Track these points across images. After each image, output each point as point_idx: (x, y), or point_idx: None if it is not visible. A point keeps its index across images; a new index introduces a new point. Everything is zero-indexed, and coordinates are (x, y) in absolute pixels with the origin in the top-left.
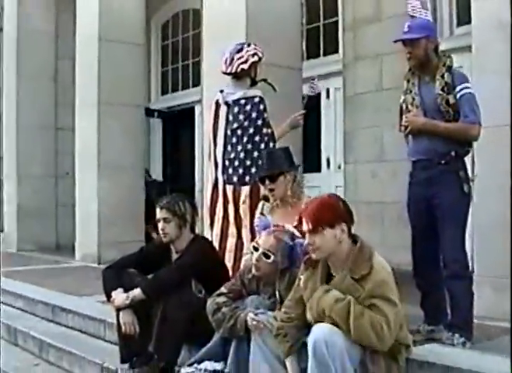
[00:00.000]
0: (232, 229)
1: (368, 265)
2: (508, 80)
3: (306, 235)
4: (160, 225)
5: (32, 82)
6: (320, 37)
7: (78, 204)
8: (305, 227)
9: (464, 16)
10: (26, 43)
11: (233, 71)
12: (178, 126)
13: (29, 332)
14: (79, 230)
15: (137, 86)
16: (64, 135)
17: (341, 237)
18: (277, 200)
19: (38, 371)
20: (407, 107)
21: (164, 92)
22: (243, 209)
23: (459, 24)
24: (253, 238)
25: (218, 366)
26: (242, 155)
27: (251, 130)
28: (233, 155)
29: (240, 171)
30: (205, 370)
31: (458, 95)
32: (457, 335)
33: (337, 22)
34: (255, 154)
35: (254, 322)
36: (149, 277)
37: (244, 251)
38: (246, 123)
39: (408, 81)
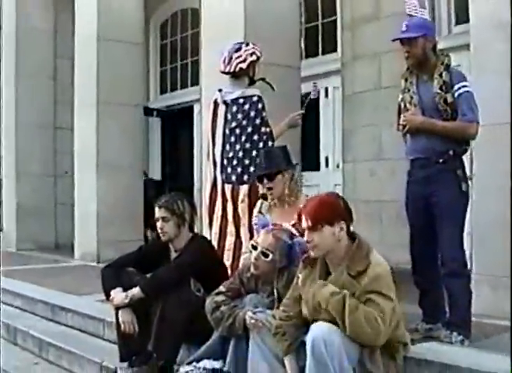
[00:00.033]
0: (230, 228)
1: (365, 262)
2: (507, 79)
3: (305, 233)
4: (159, 224)
5: (31, 81)
6: (319, 36)
7: (77, 203)
8: (304, 224)
9: (462, 15)
10: (24, 42)
11: (232, 70)
12: (177, 125)
13: (28, 331)
14: (78, 229)
15: (136, 85)
16: (63, 134)
17: (339, 235)
18: (275, 199)
19: (38, 370)
20: (405, 106)
21: (163, 91)
22: (242, 208)
23: (457, 23)
24: (251, 236)
25: (217, 364)
26: (240, 154)
27: (250, 129)
28: (231, 154)
29: (239, 170)
30: (204, 368)
31: (456, 94)
32: (455, 333)
33: (335, 21)
34: (254, 153)
35: (253, 321)
36: (148, 275)
37: (243, 250)
38: (244, 122)
39: (406, 80)
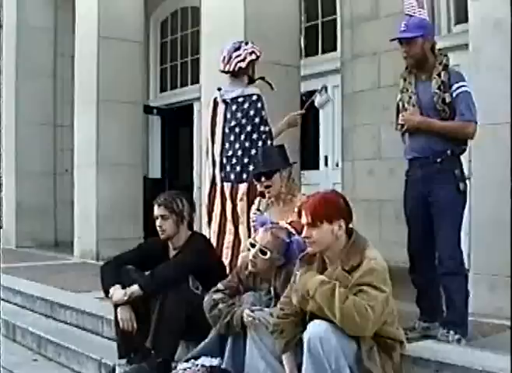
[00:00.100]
0: (229, 226)
1: (360, 257)
2: (507, 79)
3: (304, 228)
4: (158, 222)
5: (31, 79)
6: (319, 35)
7: (77, 201)
8: (304, 219)
9: (461, 14)
10: (25, 40)
11: (231, 69)
12: (177, 123)
13: (27, 328)
14: (78, 227)
15: (136, 83)
16: (63, 132)
17: (338, 233)
18: (272, 198)
19: (37, 367)
20: (403, 106)
21: (163, 89)
22: (241, 206)
23: (457, 22)
24: (250, 235)
25: (214, 362)
26: (240, 152)
27: (249, 128)
28: (230, 153)
29: (238, 168)
30: (202, 365)
31: (454, 94)
32: (452, 332)
33: (335, 20)
34: (253, 151)
35: (250, 319)
36: (147, 273)
37: (241, 248)
38: (244, 121)
39: (405, 79)
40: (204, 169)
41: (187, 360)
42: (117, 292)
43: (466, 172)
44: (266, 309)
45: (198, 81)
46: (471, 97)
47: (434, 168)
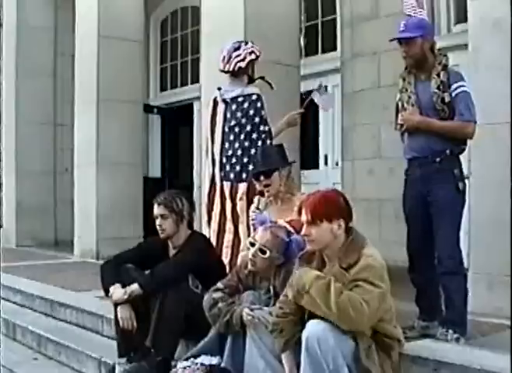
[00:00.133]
0: (229, 225)
1: (357, 255)
2: (506, 78)
3: (304, 226)
4: (158, 221)
5: (31, 78)
6: (319, 35)
7: (77, 200)
8: (303, 217)
9: (461, 14)
10: (25, 39)
11: (231, 69)
12: (177, 122)
13: (27, 327)
14: (78, 226)
15: (136, 83)
16: (63, 131)
17: (337, 232)
18: (271, 197)
19: (37, 366)
20: (403, 105)
21: (163, 88)
22: (240, 206)
23: (457, 22)
24: (250, 234)
25: (214, 360)
26: (239, 152)
27: (249, 128)
28: (230, 152)
29: (238, 168)
30: (202, 364)
31: (453, 94)
32: (451, 331)
33: (335, 19)
34: (252, 151)
35: (250, 317)
36: (147, 272)
37: (241, 247)
38: (243, 121)
39: (404, 79)
40: (204, 169)
41: (186, 359)
42: (117, 291)
43: (465, 171)
44: (265, 308)
45: (198, 81)
46: (470, 97)
47: (433, 167)
